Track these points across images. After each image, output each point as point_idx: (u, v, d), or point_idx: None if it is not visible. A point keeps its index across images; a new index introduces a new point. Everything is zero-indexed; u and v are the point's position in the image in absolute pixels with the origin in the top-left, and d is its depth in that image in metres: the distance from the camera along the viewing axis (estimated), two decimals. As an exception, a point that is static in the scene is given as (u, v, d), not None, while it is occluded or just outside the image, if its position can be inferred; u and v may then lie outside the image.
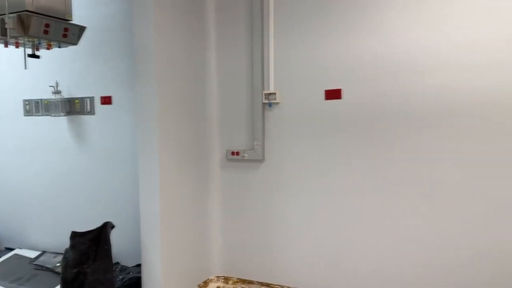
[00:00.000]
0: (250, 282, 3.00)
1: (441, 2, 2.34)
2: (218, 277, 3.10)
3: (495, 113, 2.25)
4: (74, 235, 2.64)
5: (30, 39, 2.44)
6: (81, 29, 2.63)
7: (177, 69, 2.73)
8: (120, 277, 2.94)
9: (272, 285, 2.93)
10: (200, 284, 2.98)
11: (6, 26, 2.26)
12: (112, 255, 2.68)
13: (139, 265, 2.88)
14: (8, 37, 2.31)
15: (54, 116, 3.41)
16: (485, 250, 2.32)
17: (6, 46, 2.53)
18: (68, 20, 2.56)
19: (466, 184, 2.34)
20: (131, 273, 2.97)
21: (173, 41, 2.68)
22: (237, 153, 2.96)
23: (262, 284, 2.96)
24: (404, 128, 2.47)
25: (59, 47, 2.69)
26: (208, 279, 3.07)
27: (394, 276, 2.56)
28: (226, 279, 3.07)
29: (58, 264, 3.16)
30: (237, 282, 3.03)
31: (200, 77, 2.95)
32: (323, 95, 2.70)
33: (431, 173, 2.42)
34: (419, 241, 2.48)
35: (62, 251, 2.73)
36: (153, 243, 2.64)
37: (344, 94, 2.63)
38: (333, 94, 2.67)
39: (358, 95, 2.59)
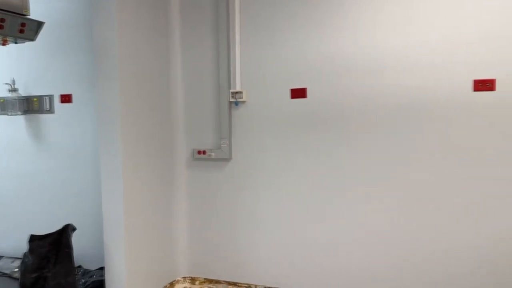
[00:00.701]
0: (217, 282, 2.98)
1: (401, 4, 2.41)
2: (184, 278, 3.07)
3: (448, 111, 2.34)
4: (33, 239, 2.54)
5: (-16, 35, 2.32)
6: (39, 24, 2.51)
7: (140, 66, 2.67)
8: (82, 280, 2.86)
9: (239, 284, 2.93)
10: (166, 286, 2.94)
11: (-43, 20, 2.13)
12: (74, 258, 2.60)
13: (102, 268, 2.80)
14: (-40, 32, 2.18)
15: (11, 115, 3.25)
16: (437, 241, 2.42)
17: (-43, 41, 2.39)
18: (25, 15, 2.45)
19: (429, 179, 2.43)
20: (94, 276, 2.89)
21: (136, 37, 2.63)
22: (204, 152, 2.93)
23: (229, 283, 2.95)
24: (367, 126, 2.53)
25: (16, 43, 2.56)
26: (175, 280, 3.03)
27: (361, 272, 2.62)
28: (193, 280, 3.05)
29: (17, 269, 3.03)
30: (204, 282, 3.01)
31: (165, 76, 2.91)
32: (289, 94, 2.72)
33: (395, 169, 2.49)
34: (385, 237, 2.54)
35: (21, 255, 2.62)
36: (117, 245, 2.58)
37: (309, 93, 2.66)
38: (299, 93, 2.69)
39: (322, 94, 2.63)
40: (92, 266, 3.03)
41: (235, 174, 2.89)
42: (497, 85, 2.24)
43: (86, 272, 2.98)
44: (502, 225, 2.30)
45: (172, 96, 2.96)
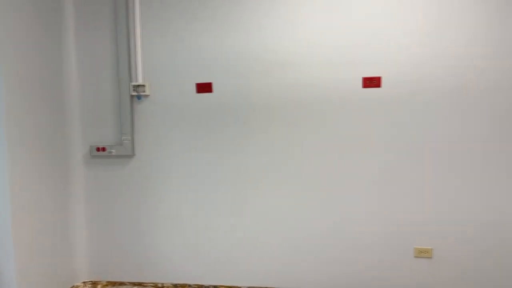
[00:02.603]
0: (122, 284, 2.85)
1: (304, 4, 2.54)
2: (85, 282, 2.88)
3: (344, 105, 2.54)
4: None
5: None
6: None
7: (28, 59, 2.42)
8: (-40, 297, 2.51)
9: (145, 284, 2.84)
10: (64, 293, 2.73)
11: None
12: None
13: (-14, 281, 2.49)
14: None
15: None
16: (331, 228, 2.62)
17: None
18: None
19: (330, 167, 2.60)
20: (-25, 291, 2.56)
21: (19, 25, 2.37)
22: (103, 149, 2.77)
23: (134, 284, 2.85)
24: (271, 120, 2.62)
25: None
26: (74, 286, 2.82)
27: (265, 264, 2.72)
28: (94, 284, 2.87)
29: None
30: (106, 285, 2.85)
31: (56, 69, 2.67)
32: (194, 88, 2.69)
33: (299, 161, 2.62)
34: (293, 226, 2.67)
35: None
36: (5, 252, 2.31)
37: (215, 87, 2.67)
38: (204, 88, 2.68)
39: (228, 88, 2.65)
40: (-28, 280, 2.68)
41: (138, 171, 2.79)
42: (383, 82, 2.48)
43: (-35, 287, 2.63)
44: (389, 204, 2.56)
45: (65, 90, 2.74)
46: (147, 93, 2.71)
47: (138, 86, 2.71)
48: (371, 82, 2.49)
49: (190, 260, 2.79)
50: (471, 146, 2.43)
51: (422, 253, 2.54)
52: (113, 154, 2.76)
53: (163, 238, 2.81)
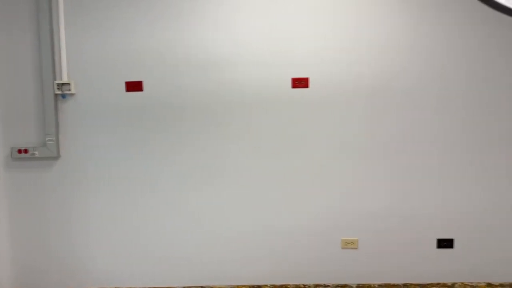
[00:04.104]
0: (49, 292, 2.72)
1: (231, 4, 2.57)
2: (7, 294, 2.71)
3: (274, 105, 2.62)
4: None
5: None
6: None
7: None
8: None
9: (75, 291, 2.73)
10: (-18, 307, 2.54)
11: None
12: None
13: None
14: None
15: None
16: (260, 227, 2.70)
17: None
18: None
19: (262, 166, 2.66)
20: None
21: None
22: (26, 151, 2.61)
23: (63, 291, 2.73)
24: (204, 120, 2.62)
25: None
26: (-6, 298, 2.64)
27: (196, 264, 2.73)
28: (18, 295, 2.71)
29: None
30: (32, 295, 2.70)
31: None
32: (123, 87, 2.62)
33: (229, 160, 2.65)
34: (214, 223, 2.70)
35: None
36: None
37: (145, 86, 2.62)
38: (134, 86, 2.62)
39: (159, 88, 2.62)
40: None
41: (64, 174, 2.66)
42: (310, 82, 2.59)
43: None
44: (317, 200, 2.68)
45: (-19, 86, 2.54)
46: (72, 91, 2.59)
47: (63, 84, 2.58)
48: (300, 83, 2.58)
49: (124, 264, 2.73)
50: (387, 143, 2.61)
51: (349, 244, 2.69)
52: (36, 156, 2.61)
53: (95, 242, 2.71)
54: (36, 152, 2.61)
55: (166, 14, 2.57)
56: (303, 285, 2.72)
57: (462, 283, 2.70)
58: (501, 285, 2.67)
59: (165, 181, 2.67)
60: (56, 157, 2.64)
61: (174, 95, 2.61)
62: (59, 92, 2.58)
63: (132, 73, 2.62)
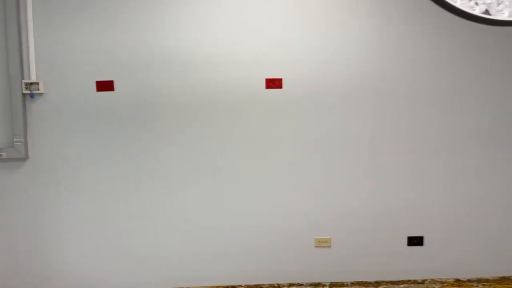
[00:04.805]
0: (18, 297, 2.65)
1: (212, 4, 2.55)
2: (-27, 299, 2.62)
3: (248, 105, 2.62)
4: None
5: None
6: None
7: None
8: None
9: (45, 295, 2.67)
10: None
11: None
12: None
13: None
14: None
15: None
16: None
17: None
18: None
19: (237, 166, 2.66)
20: None
21: None
22: (-8, 152, 2.54)
23: (32, 296, 2.66)
24: (176, 121, 2.60)
25: None
26: (-41, 304, 2.56)
27: (174, 265, 2.71)
28: (-15, 300, 2.63)
29: None
30: (0, 300, 2.63)
31: None
32: (94, 86, 2.58)
33: (207, 161, 2.64)
34: (192, 224, 2.69)
35: None
36: None
37: (116, 86, 2.58)
38: (105, 86, 2.58)
39: (130, 87, 2.58)
40: None
41: (33, 175, 2.60)
42: (284, 83, 2.60)
43: None
44: (291, 199, 2.70)
45: None
46: (41, 91, 2.53)
47: (31, 83, 2.52)
48: (273, 83, 2.59)
49: (99, 268, 2.68)
50: (359, 143, 2.65)
51: (322, 243, 2.72)
52: (3, 157, 2.54)
53: (68, 247, 2.65)
54: (3, 153, 2.53)
55: (140, 13, 2.54)
56: (277, 284, 2.74)
57: (432, 279, 2.77)
58: (468, 280, 2.75)
59: (141, 181, 2.63)
60: (25, 158, 2.57)
61: (147, 95, 2.58)
62: (27, 91, 2.51)
63: (103, 73, 2.57)
